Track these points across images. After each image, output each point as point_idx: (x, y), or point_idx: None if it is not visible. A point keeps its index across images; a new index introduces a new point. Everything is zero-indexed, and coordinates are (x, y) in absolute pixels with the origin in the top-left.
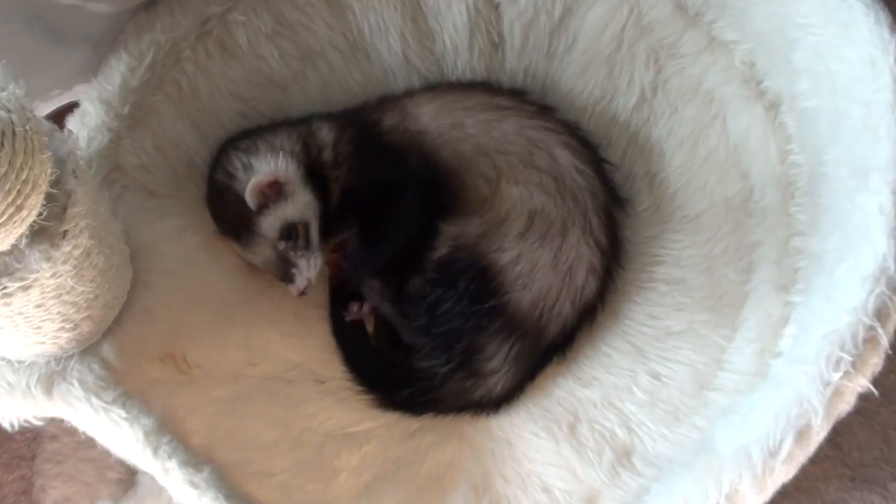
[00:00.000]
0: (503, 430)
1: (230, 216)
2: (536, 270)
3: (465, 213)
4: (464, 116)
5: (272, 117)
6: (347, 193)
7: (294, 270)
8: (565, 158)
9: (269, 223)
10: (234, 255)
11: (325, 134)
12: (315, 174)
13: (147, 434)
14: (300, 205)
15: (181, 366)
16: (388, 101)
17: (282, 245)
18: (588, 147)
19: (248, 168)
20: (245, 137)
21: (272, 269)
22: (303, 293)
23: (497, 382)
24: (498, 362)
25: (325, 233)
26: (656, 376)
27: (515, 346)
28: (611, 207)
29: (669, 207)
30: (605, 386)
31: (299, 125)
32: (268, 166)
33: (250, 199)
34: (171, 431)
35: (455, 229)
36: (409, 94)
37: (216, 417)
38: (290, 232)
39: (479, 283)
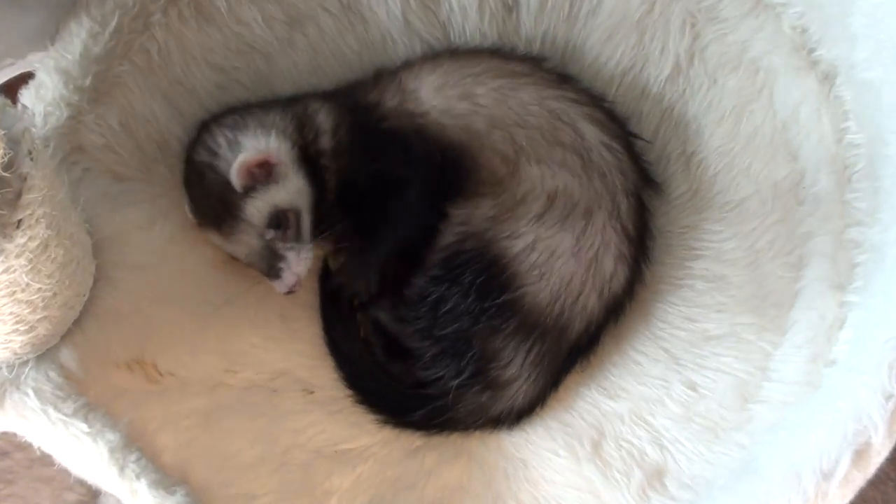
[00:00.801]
0: (517, 448)
1: (211, 200)
2: (555, 258)
3: (476, 195)
4: (473, 85)
5: (254, 90)
6: (346, 187)
7: (282, 265)
8: (592, 133)
9: (257, 208)
10: (212, 248)
11: (324, 118)
12: (310, 160)
13: (112, 450)
14: (292, 190)
15: (151, 373)
16: (385, 75)
17: (269, 234)
18: (616, 121)
19: (235, 145)
20: (231, 113)
21: (257, 262)
22: (290, 291)
23: (517, 392)
24: (516, 368)
25: (317, 227)
26: (692, 387)
27: (535, 349)
28: (641, 191)
29: (708, 193)
30: (634, 397)
31: (293, 104)
32: (258, 144)
33: (236, 179)
34: (139, 448)
35: (463, 212)
36: (408, 65)
37: (191, 432)
38: (280, 220)
39: (487, 276)
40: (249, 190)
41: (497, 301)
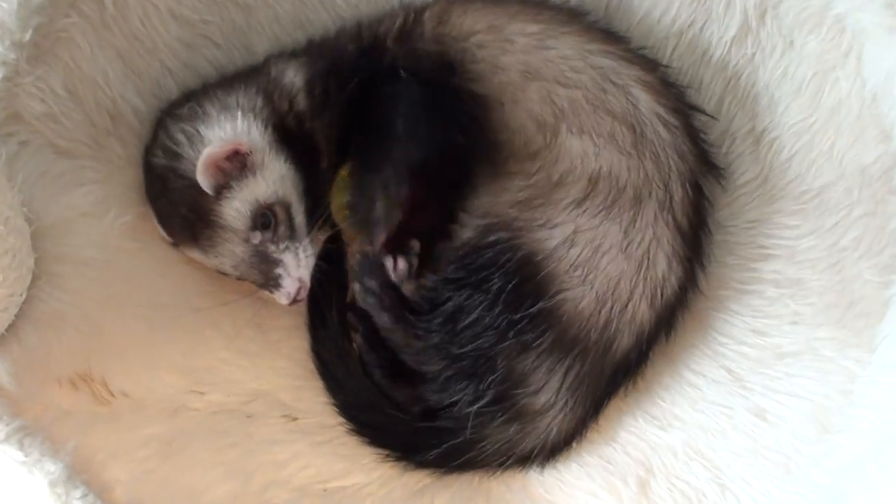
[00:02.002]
0: (547, 489)
1: (181, 210)
2: (600, 254)
3: (502, 175)
4: (506, 20)
5: (228, 49)
6: (342, 144)
7: (279, 270)
8: (647, 102)
9: (235, 209)
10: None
11: (293, 76)
12: (292, 133)
13: (53, 484)
14: (275, 179)
15: (100, 392)
16: (384, 19)
17: (257, 237)
18: (673, 90)
19: (197, 139)
20: (186, 101)
21: (249, 273)
22: (296, 300)
23: (551, 425)
24: (550, 395)
25: (314, 213)
26: (760, 414)
27: (573, 370)
28: (700, 177)
29: (782, 180)
30: (690, 427)
31: (255, 75)
32: (223, 132)
33: (204, 179)
34: (85, 481)
35: (486, 200)
36: (415, 9)
37: (148, 463)
38: (266, 218)
39: (519, 279)
40: (223, 189)
41: (530, 311)
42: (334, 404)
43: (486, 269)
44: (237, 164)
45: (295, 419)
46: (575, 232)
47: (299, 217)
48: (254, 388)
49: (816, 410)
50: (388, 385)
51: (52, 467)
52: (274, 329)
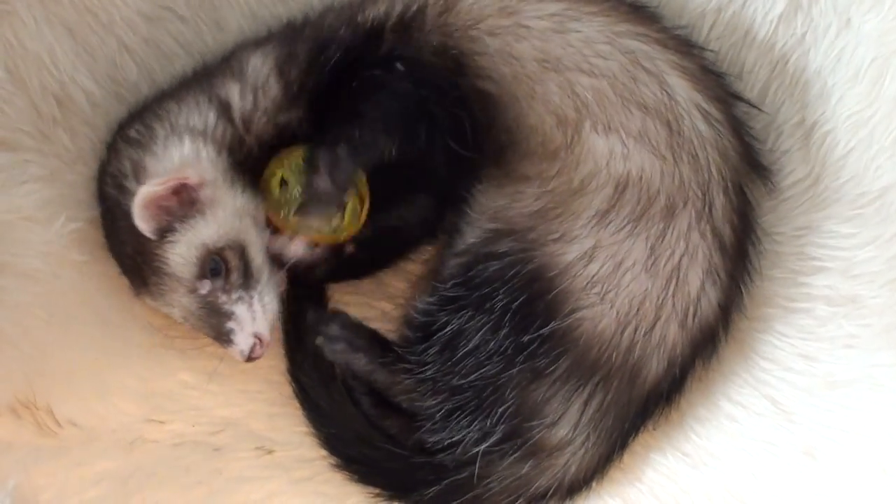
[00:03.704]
0: None
1: (127, 251)
2: (623, 272)
3: (516, 179)
4: (520, 2)
5: (195, 24)
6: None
7: (231, 324)
8: (684, 91)
9: (180, 255)
10: None
11: (258, 65)
12: (251, 151)
13: None
14: (227, 217)
15: (45, 422)
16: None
17: (206, 287)
18: (713, 77)
19: (140, 170)
20: (136, 120)
21: (199, 326)
22: (251, 358)
23: (570, 462)
24: (569, 428)
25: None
26: (810, 452)
27: (595, 400)
28: (744, 180)
29: (836, 181)
30: (728, 467)
31: (214, 76)
32: (168, 163)
33: (143, 223)
34: None
35: (496, 204)
36: None
37: None
38: (216, 264)
39: (528, 297)
40: (166, 232)
41: (542, 332)
42: (316, 436)
43: (490, 284)
44: (185, 199)
45: (270, 452)
46: (595, 247)
47: (258, 259)
48: (222, 415)
49: (875, 450)
50: (379, 414)
51: None
52: None
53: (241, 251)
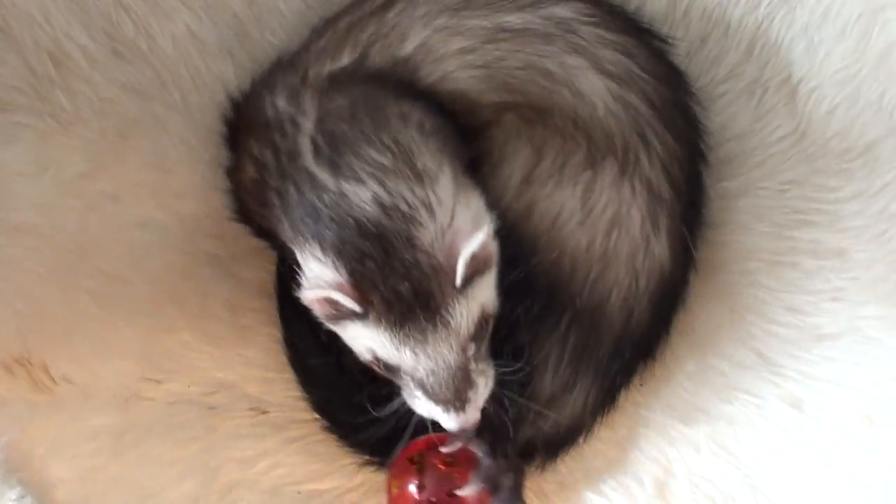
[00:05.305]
0: (547, 492)
1: (401, 285)
2: (561, 223)
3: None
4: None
5: None
6: None
7: (471, 393)
8: (589, 34)
9: (468, 310)
10: (134, 202)
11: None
12: None
13: None
14: (493, 279)
15: (40, 378)
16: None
17: (471, 350)
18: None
19: (445, 211)
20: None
21: (434, 386)
22: (464, 434)
23: (559, 411)
24: (552, 375)
25: None
26: (796, 405)
27: (570, 341)
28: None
29: (822, 136)
30: (715, 420)
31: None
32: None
33: (463, 271)
34: (23, 479)
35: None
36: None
37: (96, 459)
38: (482, 329)
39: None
40: (471, 277)
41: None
42: (308, 399)
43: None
44: (483, 257)
45: (265, 412)
46: (532, 204)
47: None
48: (218, 378)
49: (861, 400)
50: (368, 381)
51: None
52: (247, 311)
53: (488, 323)
